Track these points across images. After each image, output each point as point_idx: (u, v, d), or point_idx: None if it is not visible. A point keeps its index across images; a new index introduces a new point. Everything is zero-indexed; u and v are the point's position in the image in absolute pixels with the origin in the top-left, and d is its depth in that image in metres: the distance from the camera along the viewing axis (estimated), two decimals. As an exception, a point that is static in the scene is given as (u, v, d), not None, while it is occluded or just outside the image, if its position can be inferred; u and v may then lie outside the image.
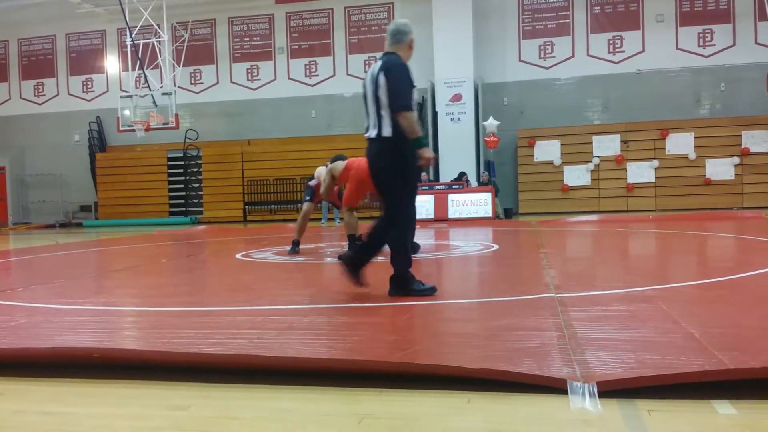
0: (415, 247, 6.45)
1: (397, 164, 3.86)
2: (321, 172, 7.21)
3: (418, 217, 6.86)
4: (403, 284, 3.92)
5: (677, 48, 16.42)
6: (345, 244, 8.19)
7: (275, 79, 18.74)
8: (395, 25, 4.03)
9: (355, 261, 4.01)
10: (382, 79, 3.81)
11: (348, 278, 4.03)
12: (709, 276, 4.85)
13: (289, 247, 7.28)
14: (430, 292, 3.90)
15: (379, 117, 3.85)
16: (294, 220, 15.94)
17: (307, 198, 7.40)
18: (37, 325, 3.43)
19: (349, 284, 4.06)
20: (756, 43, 15.98)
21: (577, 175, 16.45)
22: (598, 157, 16.33)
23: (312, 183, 7.39)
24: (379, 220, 4.06)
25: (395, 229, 3.93)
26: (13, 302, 4.20)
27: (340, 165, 6.79)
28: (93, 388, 2.43)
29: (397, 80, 3.79)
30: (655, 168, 16.10)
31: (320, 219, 14.63)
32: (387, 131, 3.83)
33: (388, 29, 4.04)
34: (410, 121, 3.78)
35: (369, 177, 6.37)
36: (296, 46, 18.61)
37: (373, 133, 3.91)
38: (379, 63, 3.92)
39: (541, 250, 6.74)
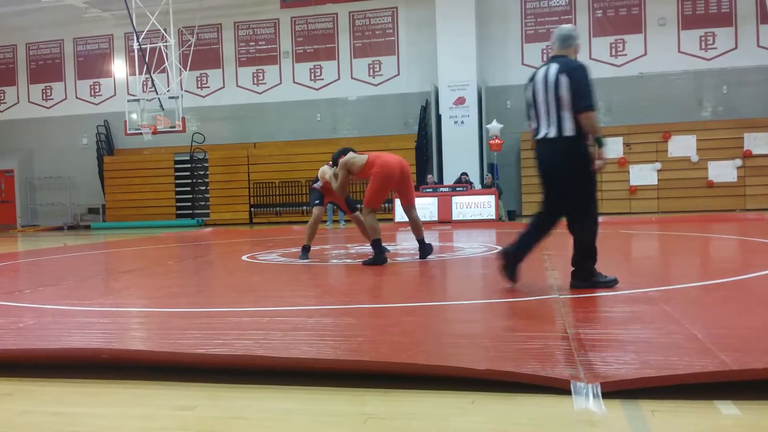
0: (428, 248, 6.39)
1: (582, 161, 3.99)
2: (325, 171, 6.76)
3: (421, 219, 6.87)
4: (587, 276, 4.03)
5: (679, 51, 16.39)
6: (350, 245, 8.20)
7: (281, 83, 18.81)
8: (565, 30, 4.13)
9: (515, 257, 4.03)
10: (564, 80, 3.90)
11: (504, 275, 4.05)
12: (712, 277, 4.83)
13: (300, 253, 6.80)
14: (612, 283, 4.02)
15: (560, 117, 3.94)
16: (299, 222, 16.05)
17: (317, 202, 6.87)
18: (46, 327, 3.45)
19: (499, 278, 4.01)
20: (758, 45, 15.95)
21: (580, 178, 16.42)
22: (601, 159, 16.29)
23: (317, 185, 6.90)
24: (538, 215, 4.11)
25: (592, 222, 4.07)
26: (22, 304, 4.23)
27: (358, 159, 6.22)
28: (100, 389, 2.45)
29: (581, 81, 3.91)
30: (658, 170, 16.07)
31: (326, 221, 14.63)
32: (569, 131, 3.93)
33: (555, 34, 4.14)
34: (593, 121, 3.93)
35: (394, 175, 6.24)
36: (301, 51, 18.68)
37: (552, 132, 3.97)
38: (555, 65, 3.98)
39: (544, 252, 6.74)
